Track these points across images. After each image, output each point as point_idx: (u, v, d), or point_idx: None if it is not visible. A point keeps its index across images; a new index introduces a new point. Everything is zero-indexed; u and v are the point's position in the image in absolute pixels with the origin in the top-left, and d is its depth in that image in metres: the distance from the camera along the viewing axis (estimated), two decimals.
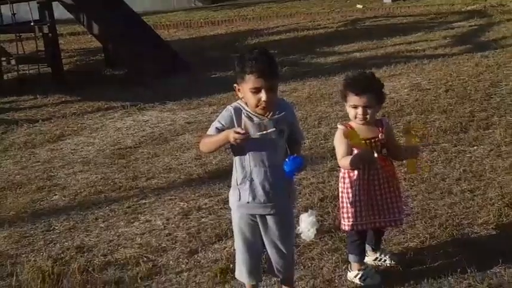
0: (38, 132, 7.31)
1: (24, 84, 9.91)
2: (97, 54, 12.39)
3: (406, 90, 7.51)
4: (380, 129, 3.39)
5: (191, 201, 4.86)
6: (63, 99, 8.98)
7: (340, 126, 3.38)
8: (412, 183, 4.71)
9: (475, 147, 5.33)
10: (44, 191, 5.39)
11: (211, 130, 3.00)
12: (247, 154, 2.99)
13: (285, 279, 3.31)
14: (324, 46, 11.36)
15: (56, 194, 5.31)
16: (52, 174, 5.84)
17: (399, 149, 3.47)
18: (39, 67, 10.60)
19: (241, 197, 3.05)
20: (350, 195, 3.37)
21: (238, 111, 2.96)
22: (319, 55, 10.55)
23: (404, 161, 3.71)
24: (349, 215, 3.40)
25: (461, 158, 5.11)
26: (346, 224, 3.43)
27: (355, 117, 3.33)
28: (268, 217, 3.09)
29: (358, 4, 16.99)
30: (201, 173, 5.47)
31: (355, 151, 3.32)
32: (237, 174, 3.06)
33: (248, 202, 3.04)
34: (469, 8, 14.11)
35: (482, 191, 4.45)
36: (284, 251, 3.16)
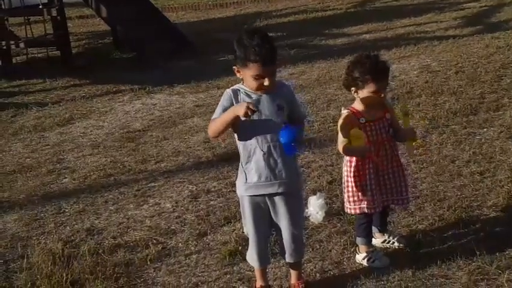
0: (48, 115, 7.34)
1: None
2: (105, 38, 12.38)
3: (415, 72, 7.46)
4: (385, 109, 3.40)
5: (200, 184, 4.88)
6: (72, 83, 9.00)
7: (344, 111, 3.37)
8: (422, 166, 4.69)
9: (485, 129, 5.30)
10: (54, 174, 5.43)
11: (216, 114, 3.02)
12: (250, 133, 3.02)
13: (295, 263, 3.32)
14: (333, 28, 11.29)
15: (65, 177, 5.34)
16: (62, 157, 5.87)
17: (400, 129, 3.46)
18: (48, 50, 10.63)
19: (248, 178, 3.06)
20: (358, 178, 3.35)
21: (235, 92, 3.01)
22: (328, 37, 10.48)
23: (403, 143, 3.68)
24: (356, 198, 3.38)
25: (471, 140, 5.08)
26: (352, 207, 3.42)
27: (375, 102, 3.30)
28: (277, 198, 3.09)
29: None
30: (210, 156, 5.48)
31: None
32: (241, 157, 3.09)
33: (255, 182, 3.05)
34: None
35: (491, 173, 4.43)
36: (296, 232, 3.18)
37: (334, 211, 4.08)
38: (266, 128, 3.00)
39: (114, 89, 8.35)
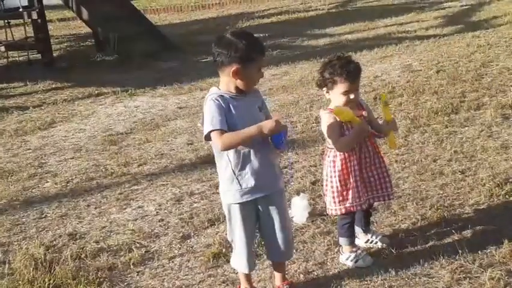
0: (29, 119, 7.27)
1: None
2: (87, 40, 12.33)
3: (397, 71, 7.51)
4: (361, 108, 3.42)
5: (183, 187, 4.86)
6: (54, 86, 8.94)
7: (323, 112, 3.38)
8: (404, 165, 4.72)
9: (466, 128, 5.34)
10: (36, 178, 5.38)
11: (216, 124, 2.88)
12: None
13: (280, 265, 3.31)
14: (315, 29, 11.33)
15: (47, 181, 5.29)
16: (43, 161, 5.82)
17: (379, 124, 3.48)
18: (29, 53, 10.55)
19: (242, 184, 3.00)
20: (342, 177, 3.35)
21: (222, 98, 2.94)
22: (310, 38, 10.51)
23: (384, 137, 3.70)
24: (341, 197, 3.38)
25: (452, 139, 5.11)
26: (337, 208, 3.41)
27: (347, 103, 3.31)
28: (269, 198, 3.09)
29: None
30: (193, 158, 5.46)
31: (347, 132, 3.32)
32: (232, 165, 2.99)
33: (252, 186, 3.00)
34: None
35: (473, 171, 4.46)
36: (287, 231, 3.20)
37: (318, 212, 4.08)
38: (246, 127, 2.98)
39: (96, 92, 8.30)
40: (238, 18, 13.37)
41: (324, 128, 3.38)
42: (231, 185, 3.03)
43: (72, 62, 10.61)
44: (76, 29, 14.02)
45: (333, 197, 3.40)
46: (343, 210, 3.41)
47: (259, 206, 3.10)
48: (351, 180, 3.36)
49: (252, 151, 2.99)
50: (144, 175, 5.20)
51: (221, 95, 2.96)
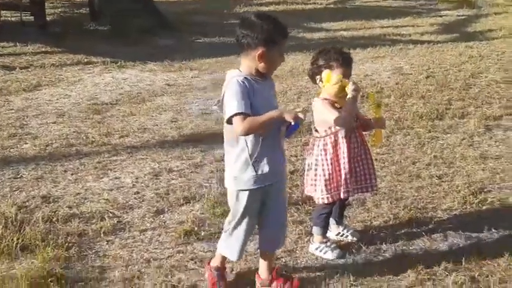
0: (15, 79, 7.21)
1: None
2: (82, 8, 12.21)
3: (387, 73, 7.54)
4: None
5: (163, 163, 4.86)
6: (43, 49, 8.86)
7: (317, 99, 3.38)
8: (383, 165, 4.75)
9: (449, 135, 5.38)
10: (15, 138, 5.34)
11: (241, 108, 2.78)
12: None
13: (272, 255, 3.26)
14: (311, 22, 11.33)
15: (26, 143, 5.26)
16: (25, 122, 5.78)
17: (367, 119, 3.50)
18: (22, 15, 10.43)
19: (258, 170, 2.93)
20: (334, 165, 3.36)
21: (247, 81, 2.84)
22: (306, 30, 10.51)
23: (368, 132, 3.72)
24: (334, 185, 3.38)
25: (433, 144, 5.16)
26: (328, 196, 3.38)
27: (340, 91, 3.31)
28: (276, 185, 3.06)
29: None
30: (176, 135, 5.46)
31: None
32: (248, 150, 2.91)
33: (267, 172, 2.94)
34: None
35: (450, 177, 4.51)
36: (285, 220, 3.22)
37: (293, 201, 4.10)
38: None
39: (85, 60, 8.25)
40: (236, 3, 13.32)
41: (318, 115, 3.35)
42: (245, 171, 2.94)
43: (65, 28, 10.51)
44: None
45: (326, 185, 3.38)
46: (336, 197, 3.41)
47: (265, 194, 3.03)
48: (341, 168, 3.37)
49: (269, 138, 2.93)
50: (124, 147, 5.18)
51: (246, 78, 2.85)
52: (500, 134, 5.38)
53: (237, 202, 3.02)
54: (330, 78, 3.21)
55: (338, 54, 3.30)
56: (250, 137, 2.90)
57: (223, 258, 3.24)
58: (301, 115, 2.78)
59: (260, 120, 2.81)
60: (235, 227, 3.10)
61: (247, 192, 2.98)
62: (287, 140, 3.44)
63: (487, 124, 5.60)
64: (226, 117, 2.85)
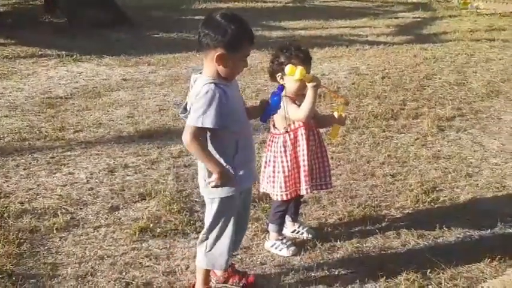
0: None
1: None
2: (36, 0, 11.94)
3: (344, 73, 7.62)
4: None
5: (118, 158, 4.80)
6: None
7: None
8: (339, 163, 4.81)
9: (403, 135, 5.48)
10: None
11: (206, 122, 2.68)
12: (235, 122, 2.81)
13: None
14: (270, 20, 11.35)
15: None
16: None
17: (325, 116, 3.52)
18: None
19: (239, 173, 2.85)
20: (292, 162, 3.37)
21: (218, 89, 2.71)
22: (264, 28, 10.53)
23: (324, 129, 3.75)
24: (292, 182, 3.39)
25: (387, 144, 5.24)
26: (287, 192, 3.39)
27: (301, 89, 3.32)
28: (250, 189, 3.07)
29: None
30: (132, 131, 5.40)
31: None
32: (228, 153, 2.82)
33: (246, 176, 2.90)
34: (415, 0, 14.39)
35: (403, 176, 4.59)
36: (248, 220, 3.23)
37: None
38: (242, 114, 2.90)
39: (39, 53, 8.08)
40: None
41: (286, 110, 3.28)
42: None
43: (18, 20, 10.27)
44: None
45: (285, 182, 3.38)
46: (293, 194, 3.43)
47: (241, 197, 2.97)
48: (301, 165, 3.39)
49: (245, 141, 2.89)
50: (78, 142, 5.10)
51: (216, 84, 2.73)
52: (453, 134, 5.50)
53: (220, 210, 2.90)
54: (295, 72, 3.18)
55: (299, 51, 3.32)
56: (229, 140, 2.82)
57: (207, 273, 3.11)
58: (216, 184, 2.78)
59: (203, 158, 2.77)
60: (217, 238, 2.96)
61: (230, 198, 2.89)
62: (263, 124, 3.45)
63: (440, 125, 5.72)
64: (190, 123, 2.72)
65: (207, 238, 2.98)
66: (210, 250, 2.99)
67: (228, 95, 2.74)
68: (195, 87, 2.79)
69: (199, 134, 2.74)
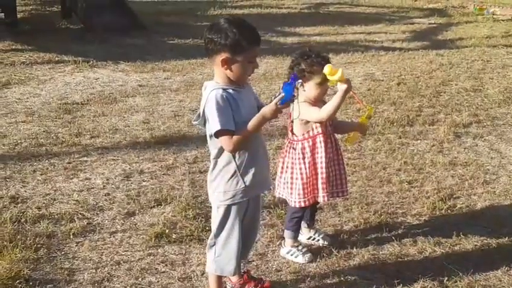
0: None
1: None
2: (54, 6, 12.05)
3: (360, 78, 7.60)
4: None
5: (134, 164, 4.82)
6: (13, 47, 8.73)
7: (300, 102, 3.35)
8: (354, 169, 4.79)
9: (419, 141, 5.45)
10: None
11: (223, 124, 2.69)
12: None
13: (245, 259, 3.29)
14: (285, 26, 11.36)
15: None
16: None
17: (344, 122, 3.52)
18: None
19: (246, 182, 2.85)
20: (311, 169, 3.36)
21: (227, 93, 2.74)
22: (279, 34, 10.54)
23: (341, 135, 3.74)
24: (310, 189, 3.38)
25: (403, 150, 5.22)
26: (305, 199, 3.38)
27: (322, 95, 3.34)
28: (259, 197, 3.05)
29: None
30: (148, 137, 5.42)
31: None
32: (236, 162, 2.83)
33: (255, 181, 2.87)
34: (430, 6, 14.35)
35: (419, 183, 4.56)
36: (258, 226, 3.22)
37: (266, 204, 4.10)
38: None
39: (56, 59, 8.15)
40: (210, 5, 13.29)
41: (301, 116, 3.28)
42: (232, 183, 2.85)
43: (36, 26, 10.38)
44: None
45: (303, 189, 3.38)
46: (311, 201, 3.42)
47: (250, 204, 2.96)
48: (319, 172, 3.38)
49: (256, 142, 2.88)
50: (95, 147, 5.13)
51: (223, 89, 2.75)
52: (469, 141, 5.47)
53: (226, 216, 2.90)
54: (335, 72, 3.11)
55: (320, 58, 3.32)
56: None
57: (218, 279, 3.10)
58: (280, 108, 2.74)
59: (247, 133, 2.74)
60: (225, 243, 2.95)
61: (236, 205, 2.89)
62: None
63: (457, 131, 5.68)
64: (208, 133, 2.76)
65: (214, 243, 2.99)
66: (219, 256, 2.99)
67: (237, 102, 2.75)
68: (204, 93, 2.82)
69: (229, 135, 2.72)
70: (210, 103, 2.73)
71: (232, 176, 2.85)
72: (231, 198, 2.87)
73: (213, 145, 2.84)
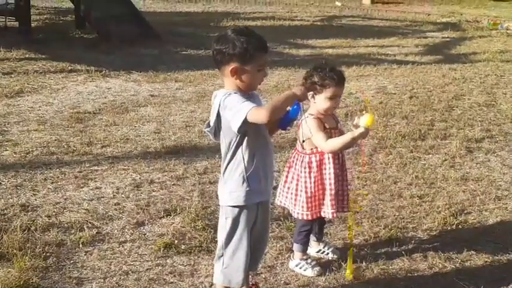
0: None
1: None
2: (67, 15, 12.16)
3: (372, 91, 7.59)
4: (336, 119, 3.49)
5: (144, 174, 4.82)
6: (27, 56, 8.80)
7: (311, 117, 3.35)
8: (365, 183, 4.77)
9: (430, 156, 5.42)
10: None
11: (249, 105, 2.67)
12: (260, 132, 2.84)
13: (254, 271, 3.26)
14: (297, 38, 11.38)
15: (7, 150, 5.20)
16: (6, 129, 5.72)
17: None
18: (7, 20, 10.36)
19: (251, 184, 2.85)
20: (317, 183, 3.35)
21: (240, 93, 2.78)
22: (291, 46, 10.56)
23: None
24: (316, 203, 3.37)
25: (415, 164, 5.18)
26: (309, 213, 3.37)
27: (331, 108, 3.34)
28: (267, 204, 3.03)
29: (338, 2, 17.08)
30: (158, 147, 5.43)
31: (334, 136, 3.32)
32: (245, 163, 2.82)
33: (261, 188, 2.88)
34: (444, 20, 14.34)
35: (431, 198, 4.53)
36: (267, 238, 3.19)
37: (275, 216, 4.09)
38: (265, 129, 2.89)
39: (69, 68, 8.20)
40: (223, 16, 13.36)
41: (312, 130, 3.29)
42: (240, 185, 2.85)
43: (50, 35, 10.46)
44: (58, 2, 13.84)
45: (307, 202, 3.37)
46: (316, 216, 3.41)
47: (258, 211, 2.94)
48: (327, 188, 3.37)
49: (263, 151, 2.88)
50: (106, 157, 5.14)
51: (236, 92, 2.77)
52: (482, 156, 5.43)
53: (234, 221, 2.89)
54: (372, 122, 3.18)
55: (333, 72, 3.32)
56: (247, 151, 2.82)
57: None
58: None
59: (278, 100, 2.72)
60: (233, 253, 2.93)
61: (244, 209, 2.88)
62: (284, 131, 3.32)
63: (469, 146, 5.65)
64: (238, 125, 2.68)
65: (222, 254, 2.97)
66: (226, 267, 2.97)
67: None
68: (215, 101, 2.83)
69: (257, 108, 2.67)
70: (228, 102, 2.72)
71: (239, 176, 2.85)
72: (236, 199, 2.87)
73: (225, 145, 2.83)
